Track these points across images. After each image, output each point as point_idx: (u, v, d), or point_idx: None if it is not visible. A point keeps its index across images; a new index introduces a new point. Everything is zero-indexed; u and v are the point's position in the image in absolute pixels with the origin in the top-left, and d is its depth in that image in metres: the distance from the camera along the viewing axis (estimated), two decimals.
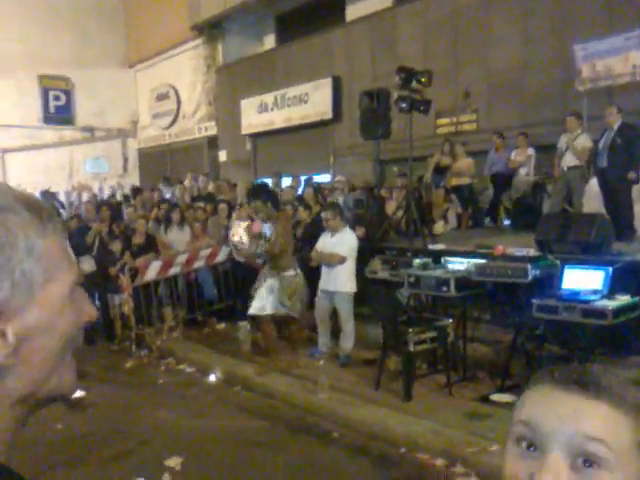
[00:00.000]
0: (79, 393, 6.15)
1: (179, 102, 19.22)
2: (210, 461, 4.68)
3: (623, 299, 4.92)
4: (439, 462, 4.46)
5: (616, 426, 0.70)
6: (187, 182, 13.44)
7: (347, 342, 6.64)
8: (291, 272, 6.58)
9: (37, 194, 11.99)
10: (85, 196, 15.11)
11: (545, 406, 0.73)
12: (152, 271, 8.03)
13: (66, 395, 0.71)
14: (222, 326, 8.49)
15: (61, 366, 0.69)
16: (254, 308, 6.65)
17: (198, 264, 8.47)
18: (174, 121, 19.43)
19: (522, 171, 9.16)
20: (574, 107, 8.61)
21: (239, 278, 8.42)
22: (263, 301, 6.57)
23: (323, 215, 6.78)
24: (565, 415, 0.71)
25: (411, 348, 5.43)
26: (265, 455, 4.75)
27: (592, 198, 7.92)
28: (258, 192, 6.79)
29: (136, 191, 12.56)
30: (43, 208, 0.70)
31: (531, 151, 9.13)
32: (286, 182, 11.76)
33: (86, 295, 0.74)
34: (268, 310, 6.56)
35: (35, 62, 18.35)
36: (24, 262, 0.65)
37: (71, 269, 0.70)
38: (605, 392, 0.72)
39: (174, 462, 4.59)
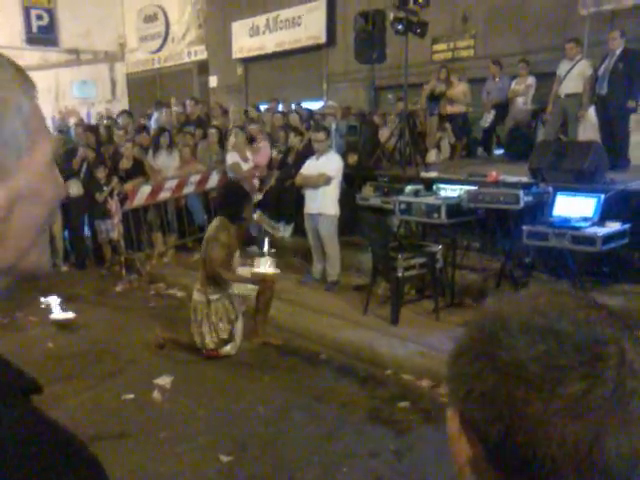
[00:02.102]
0: (69, 314, 6.19)
1: (168, 24, 18.45)
2: (199, 380, 4.77)
3: (612, 225, 4.91)
4: (424, 383, 4.55)
5: None
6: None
7: (332, 268, 6.62)
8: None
9: None
10: (72, 121, 14.69)
11: None
12: (141, 196, 7.92)
13: (41, 274, 0.68)
14: None
15: (40, 240, 0.66)
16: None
17: (188, 190, 8.36)
18: (163, 45, 18.73)
19: (519, 100, 8.93)
20: (576, 33, 8.31)
21: None
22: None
23: (315, 136, 6.60)
24: None
25: (400, 274, 5.44)
26: (253, 375, 4.84)
27: (588, 127, 7.78)
28: None
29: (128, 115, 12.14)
30: (22, 68, 0.64)
31: (531, 80, 8.85)
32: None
33: (57, 169, 0.70)
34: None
35: None
36: (15, 120, 0.60)
37: (50, 137, 0.67)
38: None
39: (164, 381, 4.67)
